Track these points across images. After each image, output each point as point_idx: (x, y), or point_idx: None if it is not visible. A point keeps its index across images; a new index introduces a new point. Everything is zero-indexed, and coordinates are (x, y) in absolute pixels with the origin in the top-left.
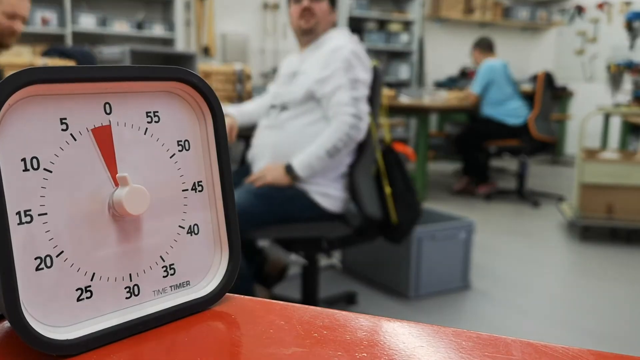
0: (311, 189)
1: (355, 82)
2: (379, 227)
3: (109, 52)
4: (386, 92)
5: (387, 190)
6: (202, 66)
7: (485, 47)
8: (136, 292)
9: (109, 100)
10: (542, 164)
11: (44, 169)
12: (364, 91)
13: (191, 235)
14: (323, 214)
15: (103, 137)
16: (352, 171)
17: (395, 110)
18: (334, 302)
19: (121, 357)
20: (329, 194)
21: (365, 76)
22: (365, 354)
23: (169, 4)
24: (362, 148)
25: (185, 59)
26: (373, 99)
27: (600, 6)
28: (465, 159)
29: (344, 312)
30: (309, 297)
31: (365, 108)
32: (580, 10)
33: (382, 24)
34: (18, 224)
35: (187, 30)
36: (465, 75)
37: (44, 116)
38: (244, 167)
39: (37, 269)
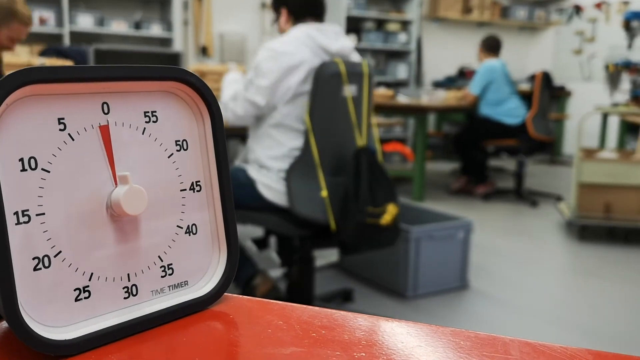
0: (258, 179)
1: (250, 84)
2: (325, 231)
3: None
4: (384, 92)
5: (323, 193)
6: (198, 66)
7: (488, 47)
8: (134, 292)
9: (107, 100)
10: (540, 164)
11: (42, 169)
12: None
13: (189, 235)
14: (268, 205)
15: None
16: (289, 169)
17: (393, 110)
18: (330, 299)
19: (119, 357)
20: (271, 187)
21: (262, 82)
22: (364, 354)
23: (166, 4)
24: (303, 148)
25: (176, 58)
26: (315, 96)
27: (598, 6)
28: (463, 158)
29: (342, 312)
30: (305, 294)
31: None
32: (578, 9)
33: (380, 24)
34: (16, 224)
35: (185, 30)
36: (464, 74)
37: (42, 116)
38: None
39: (35, 269)
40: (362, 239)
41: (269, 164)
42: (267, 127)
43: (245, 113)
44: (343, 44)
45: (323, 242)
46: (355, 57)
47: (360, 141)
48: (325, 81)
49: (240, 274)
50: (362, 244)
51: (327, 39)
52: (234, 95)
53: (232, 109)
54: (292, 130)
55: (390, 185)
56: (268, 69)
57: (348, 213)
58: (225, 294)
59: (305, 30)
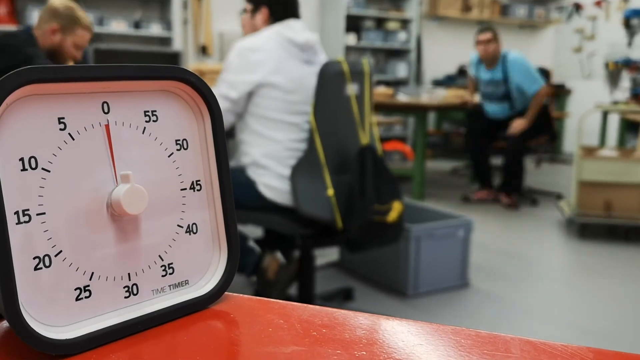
0: (258, 179)
1: (221, 81)
2: (329, 230)
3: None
4: (384, 91)
5: (329, 192)
6: (198, 65)
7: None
8: (135, 292)
9: (107, 100)
10: (540, 162)
11: (42, 169)
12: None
13: (190, 234)
14: (269, 205)
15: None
16: (294, 168)
17: (393, 109)
18: (330, 298)
19: (120, 356)
20: (272, 186)
21: (232, 77)
22: (365, 352)
23: (166, 3)
24: (307, 147)
25: (176, 58)
26: (319, 95)
27: (598, 3)
28: (477, 164)
29: (342, 311)
30: (306, 293)
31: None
32: (578, 7)
33: (379, 22)
34: (16, 224)
35: (185, 29)
36: (463, 73)
37: (42, 116)
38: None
39: (36, 268)
40: (368, 237)
41: (264, 163)
42: (252, 124)
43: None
44: (308, 36)
45: (326, 241)
46: (321, 53)
47: (364, 139)
48: (329, 80)
49: (247, 262)
50: (367, 241)
51: (293, 32)
52: None
53: None
54: (277, 122)
55: (394, 182)
56: (236, 64)
57: (354, 211)
58: (226, 292)
59: (273, 29)
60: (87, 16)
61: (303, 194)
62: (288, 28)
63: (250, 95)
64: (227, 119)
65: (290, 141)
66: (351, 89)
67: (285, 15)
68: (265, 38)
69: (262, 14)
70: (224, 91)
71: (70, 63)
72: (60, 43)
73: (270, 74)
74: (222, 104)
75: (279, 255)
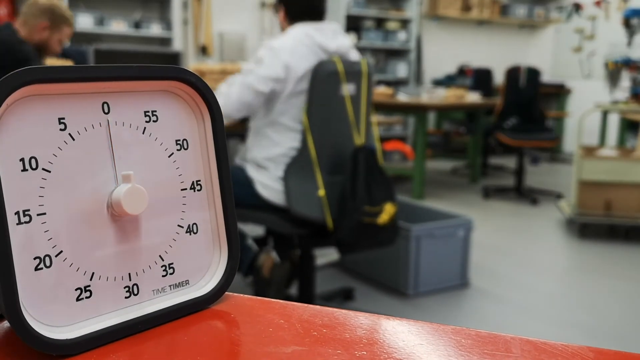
0: (256, 178)
1: (249, 72)
2: (323, 230)
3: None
4: (384, 90)
5: (320, 192)
6: (198, 65)
7: None
8: (135, 292)
9: (107, 100)
10: (540, 162)
11: (43, 169)
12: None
13: (190, 234)
14: (265, 204)
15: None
16: (287, 168)
17: (393, 109)
18: (331, 298)
19: (121, 356)
20: (268, 185)
21: (264, 72)
22: (365, 352)
23: (166, 3)
24: (300, 147)
25: (176, 58)
26: (312, 95)
27: (598, 3)
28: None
29: (343, 311)
30: (306, 293)
31: (230, 90)
32: (578, 7)
33: (379, 22)
34: (17, 224)
35: (185, 30)
36: (464, 73)
37: (42, 116)
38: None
39: (37, 268)
40: (359, 238)
41: (265, 165)
42: (263, 126)
43: (240, 98)
44: (341, 42)
45: (321, 241)
46: (354, 55)
47: (359, 140)
48: (323, 80)
49: (242, 260)
50: (359, 243)
51: (325, 37)
52: (230, 82)
53: (226, 93)
54: (288, 130)
55: (388, 184)
56: (270, 62)
57: (345, 212)
58: (227, 292)
59: (303, 30)
60: (70, 12)
61: (295, 194)
62: (319, 31)
63: (270, 101)
64: (238, 111)
65: (292, 148)
66: (346, 89)
67: (302, 15)
68: (294, 40)
69: (282, 11)
70: (253, 82)
71: (52, 58)
72: (47, 39)
73: (296, 83)
74: (244, 94)
75: (273, 254)
